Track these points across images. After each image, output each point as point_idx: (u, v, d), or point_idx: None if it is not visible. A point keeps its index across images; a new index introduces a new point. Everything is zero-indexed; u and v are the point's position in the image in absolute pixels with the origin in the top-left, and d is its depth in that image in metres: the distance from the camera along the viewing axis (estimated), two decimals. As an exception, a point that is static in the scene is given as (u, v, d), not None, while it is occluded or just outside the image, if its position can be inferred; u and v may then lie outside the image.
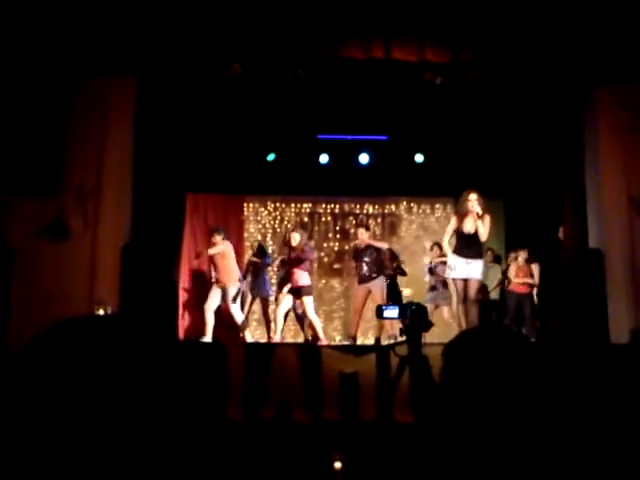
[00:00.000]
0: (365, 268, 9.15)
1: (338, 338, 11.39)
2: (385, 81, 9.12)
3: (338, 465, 5.72)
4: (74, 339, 1.30)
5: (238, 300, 9.41)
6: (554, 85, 8.74)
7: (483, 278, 8.25)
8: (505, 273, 10.32)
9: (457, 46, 8.45)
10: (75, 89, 8.06)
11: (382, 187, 11.60)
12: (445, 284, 9.75)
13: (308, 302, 8.87)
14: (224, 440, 6.08)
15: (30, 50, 7.82)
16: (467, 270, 7.62)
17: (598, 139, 8.47)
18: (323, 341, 8.99)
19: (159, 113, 8.78)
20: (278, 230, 11.94)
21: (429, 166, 11.25)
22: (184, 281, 11.00)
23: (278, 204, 12.24)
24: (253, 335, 11.31)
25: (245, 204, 12.16)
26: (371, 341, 10.13)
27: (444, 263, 9.37)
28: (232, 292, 9.20)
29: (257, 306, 10.51)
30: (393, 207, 12.31)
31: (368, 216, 12.21)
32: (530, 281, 9.83)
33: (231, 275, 9.25)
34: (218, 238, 9.31)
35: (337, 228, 12.22)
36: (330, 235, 12.21)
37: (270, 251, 11.49)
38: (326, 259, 12.07)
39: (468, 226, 7.64)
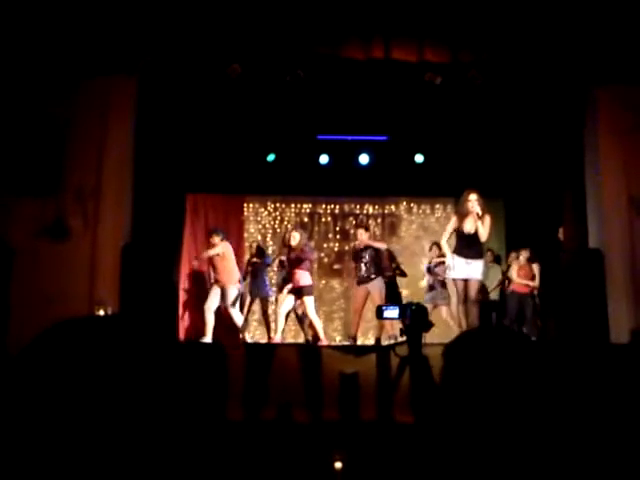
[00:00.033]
0: (364, 269, 9.15)
1: (338, 338, 11.39)
2: (385, 81, 9.12)
3: (338, 465, 5.72)
4: (74, 339, 1.30)
5: (237, 304, 9.40)
6: (554, 85, 8.74)
7: (483, 278, 8.25)
8: (505, 273, 10.33)
9: (457, 46, 8.45)
10: (75, 89, 8.06)
11: (382, 187, 11.61)
12: (443, 284, 9.76)
13: (309, 302, 8.86)
14: (224, 440, 6.07)
15: (30, 50, 7.82)
16: (467, 270, 7.62)
17: (598, 139, 8.47)
18: (323, 341, 8.99)
19: (159, 113, 8.78)
20: (278, 230, 11.94)
21: (429, 166, 11.25)
22: (184, 281, 11.00)
23: (278, 204, 12.24)
24: (253, 335, 11.31)
25: (245, 204, 12.16)
26: (371, 341, 10.14)
27: (443, 263, 9.38)
28: (231, 293, 9.19)
29: (257, 306, 10.51)
30: (393, 207, 12.31)
31: (368, 216, 12.21)
32: (532, 283, 9.83)
33: (231, 275, 9.25)
34: (217, 239, 9.30)
35: (337, 228, 12.22)
36: (330, 235, 12.21)
37: (270, 251, 11.49)
38: (326, 259, 12.07)
39: (468, 226, 7.64)
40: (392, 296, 9.27)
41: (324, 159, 11.37)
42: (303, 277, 8.84)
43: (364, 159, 11.40)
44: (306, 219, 12.18)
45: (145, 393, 1.30)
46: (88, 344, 1.30)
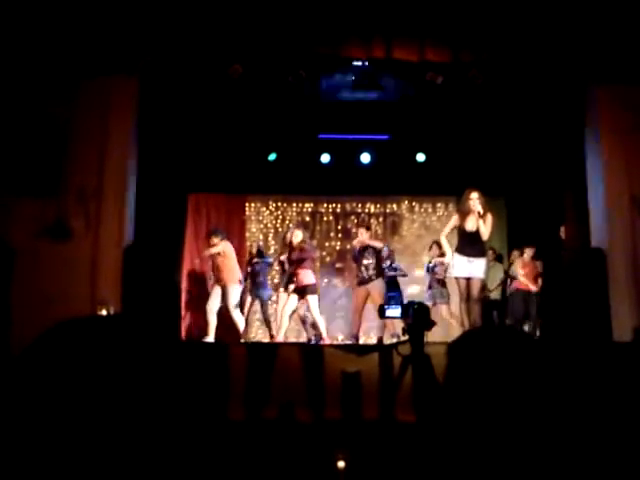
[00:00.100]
0: (364, 270, 9.15)
1: (340, 337, 11.39)
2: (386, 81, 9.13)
3: (341, 464, 5.72)
4: (77, 339, 1.30)
5: (238, 308, 9.39)
6: (554, 84, 8.74)
7: (484, 277, 8.24)
8: (507, 272, 10.32)
9: (457, 46, 8.45)
10: (75, 89, 8.05)
11: (384, 186, 11.61)
12: (442, 283, 9.74)
13: (313, 301, 8.86)
14: (226, 440, 6.09)
15: (30, 50, 7.82)
16: (469, 269, 7.61)
17: (600, 138, 8.46)
18: (326, 340, 8.99)
19: (160, 113, 8.79)
20: (280, 230, 11.93)
21: (430, 165, 11.26)
22: (186, 281, 11.00)
23: (280, 204, 12.25)
24: (255, 335, 11.31)
25: (247, 204, 12.17)
26: (374, 340, 10.13)
27: (443, 263, 9.39)
28: (233, 292, 9.17)
29: (258, 306, 10.51)
30: (395, 206, 12.31)
31: (370, 215, 12.22)
32: (539, 281, 9.80)
33: (232, 274, 9.24)
34: (216, 240, 9.29)
35: (339, 227, 12.23)
36: (332, 234, 12.21)
37: (272, 251, 11.49)
38: (328, 258, 12.08)
39: (470, 225, 7.63)
40: (394, 289, 9.29)
41: (326, 158, 11.37)
42: (306, 276, 8.84)
43: (366, 158, 11.41)
44: (308, 218, 12.19)
45: (147, 393, 1.30)
46: (90, 344, 1.30)
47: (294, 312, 9.29)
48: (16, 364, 1.28)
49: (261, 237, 11.96)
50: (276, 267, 10.78)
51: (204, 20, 8.12)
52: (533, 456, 1.45)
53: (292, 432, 6.55)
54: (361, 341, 9.69)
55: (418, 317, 3.86)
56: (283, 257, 9.57)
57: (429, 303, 9.37)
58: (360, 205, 12.29)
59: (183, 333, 10.48)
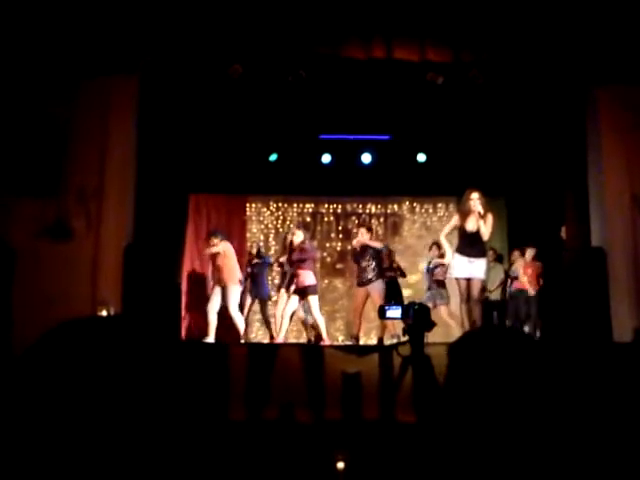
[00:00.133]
0: (364, 271, 9.14)
1: (341, 338, 11.39)
2: (387, 81, 9.13)
3: (341, 465, 5.73)
4: (78, 339, 1.30)
5: (238, 309, 9.38)
6: (554, 84, 8.74)
7: (485, 278, 8.24)
8: (508, 272, 10.31)
9: (458, 46, 8.45)
10: (76, 89, 8.06)
11: (384, 187, 11.60)
12: (441, 284, 9.73)
13: (314, 301, 8.86)
14: (227, 440, 6.09)
15: (30, 50, 7.82)
16: (470, 269, 7.61)
17: (600, 138, 8.47)
18: (326, 341, 8.98)
19: (160, 113, 8.78)
20: (281, 230, 11.92)
21: (431, 165, 11.26)
22: (186, 282, 11.00)
23: (280, 204, 12.24)
24: (256, 335, 11.30)
25: (247, 204, 12.16)
26: (374, 341, 10.12)
27: (443, 265, 9.38)
28: (233, 292, 9.16)
29: (258, 306, 10.51)
30: (395, 207, 12.31)
31: (370, 216, 12.21)
32: (537, 284, 9.79)
33: (232, 274, 9.23)
34: (215, 240, 9.28)
35: (340, 228, 12.22)
36: (333, 235, 12.21)
37: (273, 251, 11.49)
38: (329, 259, 12.07)
39: (470, 225, 7.63)
40: (393, 296, 9.26)
41: (326, 159, 11.37)
42: (307, 277, 8.82)
43: (366, 158, 11.41)
44: (309, 219, 12.18)
45: (148, 393, 1.30)
46: (91, 344, 1.30)
47: (294, 313, 9.29)
48: (18, 364, 1.29)
49: (262, 238, 11.96)
50: (276, 268, 10.78)
51: (204, 20, 8.12)
52: (533, 456, 1.45)
53: (292, 432, 6.55)
54: (361, 342, 9.68)
55: (418, 318, 3.86)
56: (283, 259, 9.56)
57: (429, 304, 9.37)
58: (361, 206, 12.29)
59: (183, 333, 10.47)
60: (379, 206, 12.30)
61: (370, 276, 9.08)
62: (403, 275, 10.14)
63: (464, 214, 7.70)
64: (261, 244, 11.28)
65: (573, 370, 1.69)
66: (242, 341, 9.29)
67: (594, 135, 8.59)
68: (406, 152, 11.19)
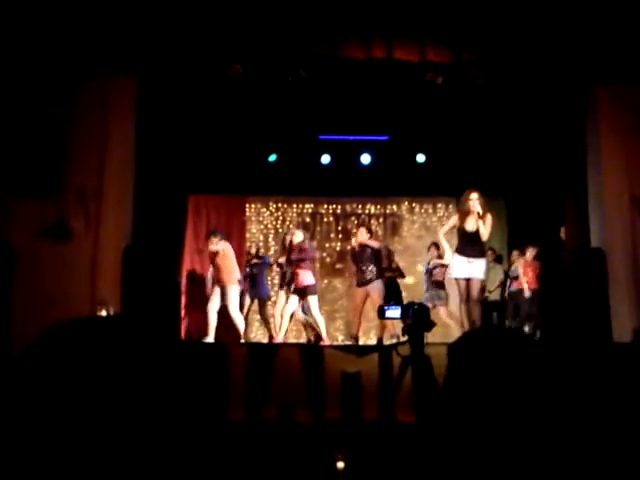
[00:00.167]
0: (363, 271, 9.14)
1: (340, 338, 11.39)
2: (386, 81, 9.13)
3: (340, 465, 5.73)
4: (77, 339, 1.30)
5: (238, 309, 9.37)
6: (554, 84, 8.74)
7: (484, 278, 8.24)
8: (507, 272, 10.30)
9: (458, 46, 8.45)
10: (75, 89, 8.05)
11: (384, 187, 11.61)
12: (439, 284, 9.73)
13: (313, 301, 8.86)
14: (227, 440, 6.09)
15: (30, 50, 7.82)
16: (469, 269, 7.61)
17: (600, 139, 8.46)
18: (325, 341, 8.98)
19: (160, 113, 8.79)
20: (280, 230, 11.92)
21: (431, 166, 11.26)
22: (186, 282, 11.00)
23: (280, 205, 12.24)
24: (255, 335, 11.30)
25: (247, 205, 12.16)
26: (373, 341, 10.13)
27: (442, 265, 9.39)
28: (232, 292, 9.16)
29: (257, 306, 10.51)
30: (395, 207, 12.31)
31: (370, 216, 12.21)
32: (537, 284, 9.78)
33: (231, 274, 9.23)
34: (215, 240, 9.28)
35: (339, 228, 12.22)
36: (332, 235, 12.21)
37: (272, 252, 11.49)
38: (328, 259, 12.07)
39: (469, 225, 7.64)
40: (393, 296, 9.26)
41: (326, 159, 11.37)
42: (306, 277, 8.83)
43: (366, 159, 11.41)
44: (308, 219, 12.18)
45: (147, 393, 1.30)
46: (90, 344, 1.30)
47: (294, 313, 9.29)
48: (17, 364, 1.28)
49: (261, 238, 11.97)
50: (276, 268, 10.78)
51: (204, 20, 8.12)
52: (533, 456, 1.44)
53: (292, 432, 6.55)
54: (361, 342, 9.68)
55: (418, 318, 3.86)
56: (282, 259, 9.56)
57: (428, 305, 9.36)
58: (360, 206, 12.29)
59: (183, 333, 10.47)
60: (378, 206, 12.31)
61: (369, 276, 9.08)
62: (402, 276, 10.15)
63: (463, 214, 7.70)
64: (260, 244, 11.28)
65: (573, 370, 1.69)
66: (242, 341, 9.29)
67: (594, 136, 8.58)
68: (405, 152, 11.19)
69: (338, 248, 12.14)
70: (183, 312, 10.73)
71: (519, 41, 8.27)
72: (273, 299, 10.41)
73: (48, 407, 1.23)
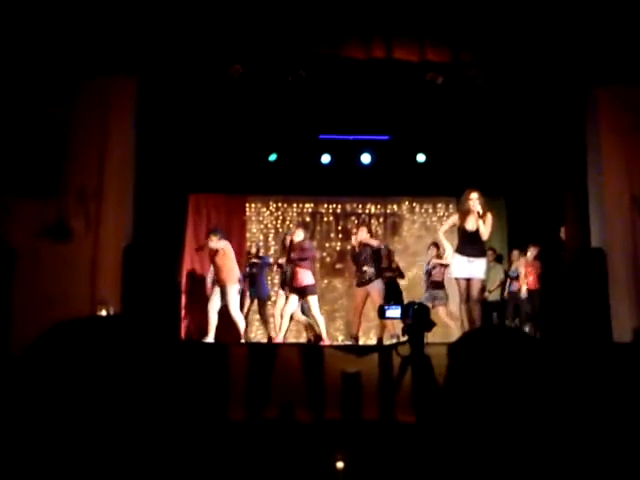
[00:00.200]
0: (363, 271, 9.13)
1: (340, 338, 11.39)
2: (387, 81, 9.13)
3: (340, 465, 5.73)
4: (77, 339, 1.30)
5: (238, 308, 9.37)
6: (554, 84, 8.74)
7: (484, 278, 8.23)
8: (507, 272, 10.30)
9: (458, 46, 8.45)
10: (75, 89, 8.05)
11: (384, 187, 11.61)
12: (437, 285, 9.73)
13: (313, 301, 8.86)
14: (227, 440, 6.09)
15: (30, 50, 7.82)
16: (469, 269, 7.60)
17: (600, 139, 8.46)
18: (325, 341, 8.99)
19: (160, 113, 8.79)
20: (280, 230, 11.93)
21: (431, 166, 11.25)
22: (186, 281, 11.00)
23: (280, 204, 12.24)
24: (256, 335, 11.30)
25: (247, 204, 12.16)
26: (373, 341, 10.12)
27: (442, 265, 9.39)
28: (232, 292, 9.16)
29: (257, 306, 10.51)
30: (395, 207, 12.31)
31: (370, 216, 12.20)
32: (538, 284, 9.77)
33: (231, 274, 9.23)
34: (215, 239, 9.28)
35: (339, 228, 12.22)
36: (332, 235, 12.21)
37: (272, 251, 11.49)
38: (328, 259, 12.07)
39: (470, 225, 7.63)
40: (393, 296, 9.26)
41: (326, 159, 11.37)
42: (306, 277, 8.83)
43: (366, 159, 11.40)
44: (308, 219, 12.18)
45: (147, 393, 1.30)
46: (90, 344, 1.30)
47: (294, 313, 9.29)
48: (16, 364, 1.28)
49: (261, 237, 11.96)
50: (276, 268, 10.78)
51: (204, 20, 8.12)
52: (533, 456, 1.44)
53: (292, 432, 6.55)
54: (361, 342, 9.68)
55: (418, 318, 3.86)
56: (282, 260, 9.56)
57: (428, 304, 9.36)
58: (360, 206, 12.28)
59: (183, 333, 10.47)
60: (379, 206, 12.30)
61: (369, 276, 9.08)
62: (402, 276, 10.15)
63: (463, 214, 7.70)
64: (260, 244, 11.28)
65: (573, 370, 1.69)
66: (242, 341, 9.29)
67: (594, 136, 8.58)
68: (406, 152, 11.19)
69: (338, 248, 12.13)
70: (183, 312, 10.72)
71: (519, 41, 8.27)
72: (273, 299, 10.41)
73: (48, 407, 1.23)
